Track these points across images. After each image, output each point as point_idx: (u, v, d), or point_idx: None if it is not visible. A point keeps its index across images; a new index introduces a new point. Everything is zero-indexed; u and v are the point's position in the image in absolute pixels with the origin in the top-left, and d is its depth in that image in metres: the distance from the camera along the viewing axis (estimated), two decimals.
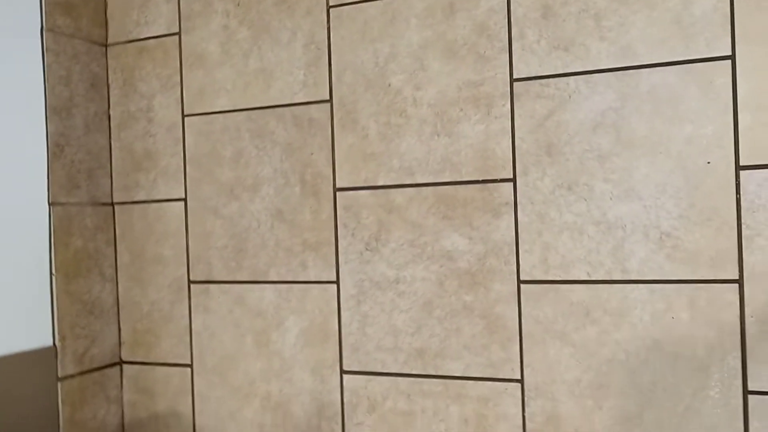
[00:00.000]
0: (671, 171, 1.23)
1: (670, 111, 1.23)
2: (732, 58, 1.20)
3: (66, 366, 1.52)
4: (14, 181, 1.44)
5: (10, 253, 1.42)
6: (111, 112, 1.66)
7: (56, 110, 1.52)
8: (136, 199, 1.64)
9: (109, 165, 1.65)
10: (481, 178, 1.35)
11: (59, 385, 1.50)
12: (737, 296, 1.19)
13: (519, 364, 1.33)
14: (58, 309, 1.50)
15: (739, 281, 1.19)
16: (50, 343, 1.50)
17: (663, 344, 1.24)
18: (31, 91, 1.48)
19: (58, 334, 1.51)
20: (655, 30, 1.24)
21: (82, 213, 1.57)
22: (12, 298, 1.43)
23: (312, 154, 1.48)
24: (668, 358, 1.23)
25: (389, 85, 1.42)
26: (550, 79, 1.30)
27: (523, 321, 1.33)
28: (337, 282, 1.46)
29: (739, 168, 1.19)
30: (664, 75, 1.24)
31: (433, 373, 1.39)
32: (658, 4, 1.23)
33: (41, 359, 1.47)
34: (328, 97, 1.47)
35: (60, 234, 1.51)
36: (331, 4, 1.46)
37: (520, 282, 1.33)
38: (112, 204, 1.66)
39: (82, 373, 1.56)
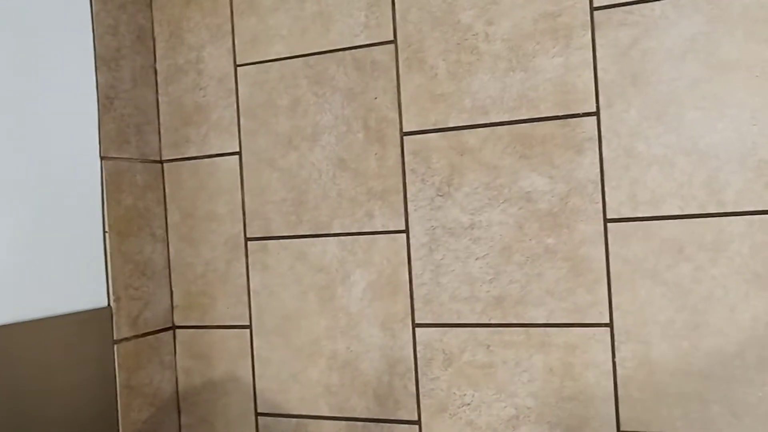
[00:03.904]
0: None
1: (765, 31, 1.16)
2: None
3: (121, 328, 1.45)
4: (67, 134, 1.37)
5: (64, 209, 1.35)
6: (157, 66, 1.59)
7: (105, 61, 1.45)
8: (186, 155, 1.57)
9: (156, 121, 1.58)
10: (561, 114, 1.29)
11: (115, 348, 1.43)
12: None
13: (608, 307, 1.26)
14: (112, 268, 1.43)
15: None
16: (105, 303, 1.42)
17: (765, 278, 1.17)
18: (79, 39, 1.41)
19: (113, 294, 1.43)
20: None
21: (132, 170, 1.50)
22: (67, 255, 1.36)
23: (376, 98, 1.41)
24: None
25: (458, 21, 1.35)
26: (634, 6, 1.24)
27: (611, 262, 1.26)
28: (407, 231, 1.39)
29: None
30: None
31: (514, 321, 1.32)
32: None
33: (97, 320, 1.40)
34: (392, 38, 1.40)
35: (111, 190, 1.44)
36: None
37: (606, 221, 1.26)
38: (161, 161, 1.59)
39: (136, 337, 1.49)
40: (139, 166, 1.52)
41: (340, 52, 1.44)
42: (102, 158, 1.43)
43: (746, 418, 1.18)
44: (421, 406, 1.39)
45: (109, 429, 1.41)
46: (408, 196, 1.39)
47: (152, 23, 1.59)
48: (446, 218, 1.36)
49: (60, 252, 1.34)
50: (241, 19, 1.52)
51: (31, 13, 1.32)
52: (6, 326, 1.22)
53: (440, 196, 1.37)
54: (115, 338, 1.43)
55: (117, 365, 1.43)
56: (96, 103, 1.43)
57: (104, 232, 1.43)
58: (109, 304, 1.43)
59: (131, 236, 1.49)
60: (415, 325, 1.39)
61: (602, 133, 1.26)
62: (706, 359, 1.20)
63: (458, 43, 1.35)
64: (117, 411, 1.42)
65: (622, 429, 1.25)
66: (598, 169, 1.26)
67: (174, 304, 1.59)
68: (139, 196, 1.52)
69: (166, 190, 1.59)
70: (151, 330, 1.53)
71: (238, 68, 1.53)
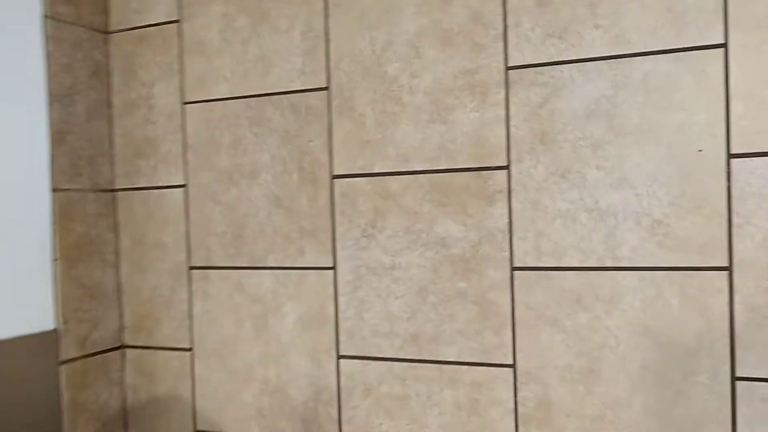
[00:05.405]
0: (663, 159, 1.24)
1: (663, 99, 1.24)
2: (725, 46, 1.20)
3: (68, 349, 1.54)
4: (17, 168, 1.46)
5: (13, 239, 1.45)
6: (112, 100, 1.68)
7: (58, 98, 1.54)
8: (137, 185, 1.67)
9: (110, 152, 1.67)
10: (475, 166, 1.36)
11: (61, 368, 1.53)
12: (727, 283, 1.20)
13: (511, 349, 1.34)
14: (60, 293, 1.53)
15: (729, 269, 1.20)
16: (52, 326, 1.52)
17: (653, 331, 1.25)
18: (32, 78, 1.50)
19: (61, 317, 1.53)
20: (648, 18, 1.24)
21: (84, 199, 1.59)
22: (15, 282, 1.45)
23: (309, 141, 1.49)
24: (658, 344, 1.24)
25: (386, 72, 1.43)
26: (545, 67, 1.31)
27: (515, 307, 1.34)
28: (334, 268, 1.48)
29: (730, 156, 1.20)
30: (656, 63, 1.24)
31: (428, 357, 1.41)
32: None
33: (43, 343, 1.49)
34: (325, 85, 1.48)
35: (62, 220, 1.53)
36: None
37: (513, 269, 1.34)
38: (114, 191, 1.68)
39: (84, 357, 1.58)
40: (92, 195, 1.61)
41: (277, 96, 1.52)
42: (53, 190, 1.52)
43: None
44: (343, 431, 1.48)
45: None
46: (336, 235, 1.47)
47: (108, 58, 1.67)
48: (370, 258, 1.45)
49: (8, 280, 1.44)
50: (189, 58, 1.61)
51: None
52: None
53: (365, 237, 1.45)
54: (61, 359, 1.53)
55: (62, 384, 1.53)
56: (48, 138, 1.52)
57: (54, 260, 1.52)
58: (56, 327, 1.52)
59: (81, 262, 1.58)
60: (339, 357, 1.48)
61: (512, 187, 1.34)
62: (598, 403, 1.28)
63: (384, 94, 1.43)
64: (62, 427, 1.52)
65: None
66: (507, 220, 1.34)
67: (123, 325, 1.69)
68: (91, 224, 1.61)
69: (118, 218, 1.69)
70: (99, 350, 1.62)
71: (186, 105, 1.61)
